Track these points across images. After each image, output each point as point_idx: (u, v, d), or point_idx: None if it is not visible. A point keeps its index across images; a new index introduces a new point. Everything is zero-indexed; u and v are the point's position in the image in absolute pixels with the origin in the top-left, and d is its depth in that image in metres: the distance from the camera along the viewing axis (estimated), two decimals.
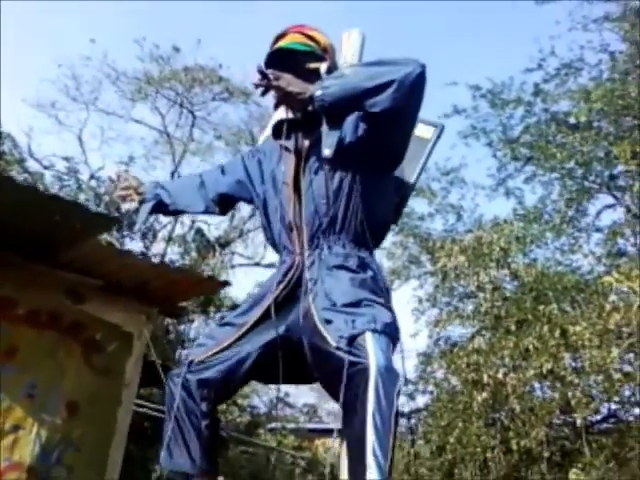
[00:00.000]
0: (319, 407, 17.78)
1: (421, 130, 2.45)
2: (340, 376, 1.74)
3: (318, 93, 1.98)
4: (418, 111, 2.06)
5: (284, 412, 15.32)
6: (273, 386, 13.30)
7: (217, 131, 16.45)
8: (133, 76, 15.35)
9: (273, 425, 13.07)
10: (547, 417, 7.16)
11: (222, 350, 2.10)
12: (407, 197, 2.48)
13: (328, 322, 1.88)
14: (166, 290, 4.46)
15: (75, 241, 3.86)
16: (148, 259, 5.42)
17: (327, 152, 2.08)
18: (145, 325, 4.52)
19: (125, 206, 2.59)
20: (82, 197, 10.87)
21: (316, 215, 2.10)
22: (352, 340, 1.78)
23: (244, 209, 14.38)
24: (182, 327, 11.10)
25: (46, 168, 12.62)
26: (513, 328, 7.83)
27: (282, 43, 2.26)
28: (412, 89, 1.93)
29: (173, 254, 13.27)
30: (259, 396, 13.76)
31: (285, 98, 2.12)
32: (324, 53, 2.27)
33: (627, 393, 7.44)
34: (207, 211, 2.53)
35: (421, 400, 8.96)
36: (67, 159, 12.05)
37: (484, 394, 7.49)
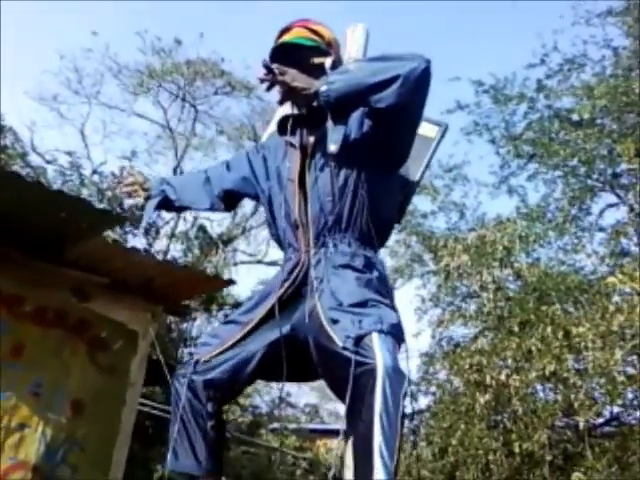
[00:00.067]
0: (320, 407, 17.82)
1: (425, 129, 2.43)
2: (346, 376, 1.73)
3: (323, 89, 1.97)
4: (423, 107, 2.06)
5: (286, 412, 15.34)
6: (275, 386, 13.36)
7: (219, 125, 16.45)
8: (135, 69, 15.33)
9: (275, 425, 13.09)
10: (549, 419, 7.13)
11: (227, 349, 2.10)
12: (411, 196, 2.48)
13: (334, 322, 1.87)
14: (171, 288, 4.45)
15: (81, 238, 3.85)
16: (154, 257, 5.40)
17: (333, 148, 2.09)
18: (150, 323, 4.51)
19: (129, 202, 2.61)
20: (85, 192, 10.85)
21: (322, 213, 2.09)
22: (359, 340, 1.77)
23: (247, 206, 14.38)
24: (184, 325, 11.09)
25: (48, 162, 12.61)
26: (516, 329, 7.79)
27: (287, 37, 2.25)
28: (417, 84, 1.92)
29: (176, 251, 13.27)
30: (261, 396, 13.78)
31: (290, 93, 2.11)
32: (329, 48, 2.27)
33: (630, 396, 7.41)
34: (212, 208, 2.52)
35: (423, 401, 8.97)
36: (69, 153, 12.02)
37: (487, 396, 7.47)
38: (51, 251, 3.91)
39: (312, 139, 2.20)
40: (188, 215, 13.58)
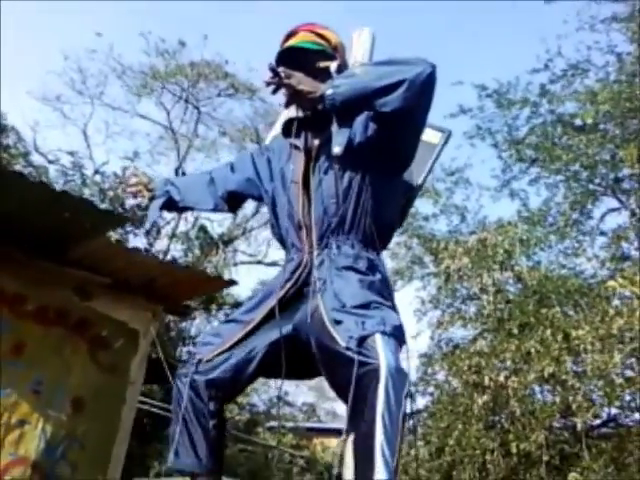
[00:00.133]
0: (318, 406, 17.82)
1: (428, 135, 2.46)
2: (349, 375, 1.75)
3: (329, 92, 2.00)
4: (428, 111, 2.08)
5: (283, 411, 15.35)
6: (273, 385, 13.41)
7: (222, 127, 16.50)
8: (139, 70, 15.38)
9: (272, 424, 13.10)
10: (547, 420, 7.14)
11: (229, 348, 2.11)
12: (413, 200, 2.51)
13: (337, 323, 1.89)
14: (173, 288, 4.47)
15: (84, 238, 3.88)
16: (156, 257, 5.42)
17: (337, 150, 2.10)
18: (151, 323, 4.53)
19: (133, 202, 2.62)
20: (87, 192, 10.89)
21: (325, 215, 2.11)
22: (362, 341, 1.80)
23: (247, 207, 14.42)
24: (183, 324, 11.12)
25: (51, 162, 12.65)
26: (515, 331, 7.80)
27: (293, 41, 2.28)
28: (422, 89, 1.95)
29: (176, 251, 13.32)
30: (258, 394, 13.79)
31: (296, 96, 2.13)
32: (334, 52, 2.29)
33: (627, 398, 7.42)
34: (216, 208, 2.54)
35: (421, 401, 8.98)
36: (72, 154, 12.08)
37: (485, 397, 7.48)
38: (54, 251, 3.93)
39: (317, 142, 2.22)
40: (189, 215, 13.64)
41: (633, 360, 7.09)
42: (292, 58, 2.20)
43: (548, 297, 8.08)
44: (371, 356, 1.76)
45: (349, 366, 1.76)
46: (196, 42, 17.44)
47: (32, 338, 4.00)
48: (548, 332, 7.35)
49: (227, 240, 14.89)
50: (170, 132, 16.17)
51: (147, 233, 11.86)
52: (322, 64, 2.23)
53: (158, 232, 12.91)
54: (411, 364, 2.06)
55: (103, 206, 9.18)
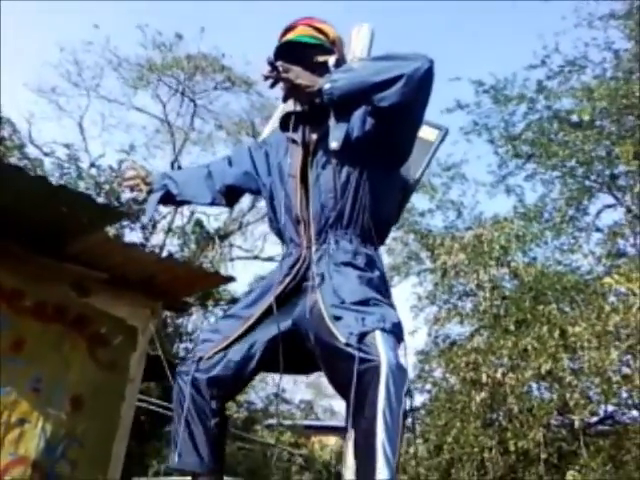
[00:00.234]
0: (315, 404, 17.82)
1: (425, 132, 2.44)
2: (348, 372, 1.74)
3: (327, 87, 1.99)
4: (426, 106, 2.07)
5: (280, 408, 15.36)
6: (270, 382, 13.41)
7: (218, 120, 16.44)
8: (135, 63, 15.31)
9: (270, 422, 13.10)
10: (545, 418, 7.16)
11: (229, 345, 2.10)
12: (409, 196, 2.50)
13: (337, 319, 1.88)
14: (171, 284, 4.43)
15: (82, 234, 3.83)
16: (154, 253, 5.40)
17: (334, 145, 2.10)
18: (150, 319, 4.50)
19: (130, 195, 2.61)
20: (82, 185, 10.83)
21: (323, 209, 2.11)
22: (362, 337, 1.79)
23: (244, 202, 14.39)
24: (180, 320, 11.10)
25: (46, 155, 12.58)
26: (512, 328, 7.82)
27: (291, 36, 2.26)
28: (420, 84, 1.94)
29: (172, 245, 13.28)
30: (256, 392, 13.79)
31: (294, 90, 2.12)
32: (333, 46, 2.28)
33: (624, 395, 7.44)
34: (214, 202, 2.53)
35: (419, 399, 8.99)
36: (67, 146, 11.99)
37: (482, 394, 7.49)
38: (52, 246, 3.89)
39: (314, 136, 2.21)
40: (185, 210, 13.61)
41: (629, 357, 7.11)
42: (290, 52, 2.18)
43: (544, 293, 8.09)
44: (371, 353, 1.75)
45: (349, 362, 1.75)
46: (193, 35, 17.36)
47: (31, 334, 3.94)
48: (545, 329, 7.37)
49: (223, 235, 14.86)
50: (166, 125, 16.12)
51: (143, 228, 11.82)
52: (320, 58, 2.22)
53: (154, 227, 12.87)
54: (408, 361, 2.06)
55: (99, 200, 9.14)
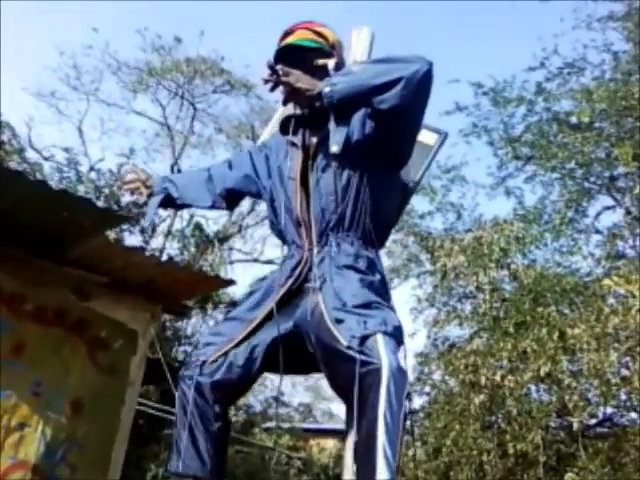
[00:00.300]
0: (314, 407, 17.78)
1: (425, 136, 2.46)
2: (350, 375, 1.76)
3: (326, 90, 2.00)
4: (425, 108, 2.09)
5: (279, 411, 15.33)
6: (269, 385, 13.38)
7: (218, 124, 16.45)
8: (135, 66, 15.32)
9: (269, 425, 13.08)
10: (544, 420, 7.15)
11: (232, 348, 2.10)
12: (408, 199, 2.52)
13: (339, 322, 1.89)
14: (171, 288, 4.44)
15: (82, 237, 3.83)
16: (154, 256, 5.39)
17: (335, 148, 2.11)
18: (150, 323, 4.50)
19: (130, 199, 2.62)
20: (82, 189, 10.83)
21: (324, 212, 2.12)
22: (364, 340, 1.80)
23: (243, 205, 14.37)
24: (179, 324, 11.08)
25: (46, 159, 12.58)
26: (511, 330, 7.81)
27: (291, 39, 2.28)
28: (419, 87, 1.96)
29: (172, 249, 13.27)
30: (254, 395, 13.76)
31: (293, 94, 2.14)
32: (332, 50, 2.30)
33: (623, 397, 7.44)
34: (214, 206, 2.54)
35: (418, 401, 8.98)
36: (67, 150, 12.01)
37: (481, 396, 7.49)
38: (52, 250, 3.89)
39: (314, 140, 2.23)
40: (185, 213, 13.60)
41: (629, 359, 7.10)
42: (290, 56, 2.20)
43: (544, 296, 8.08)
44: (373, 356, 1.76)
45: (350, 365, 1.77)
46: (192, 39, 17.36)
47: (32, 338, 3.95)
48: (544, 331, 7.36)
49: (223, 238, 14.85)
50: (166, 129, 16.13)
51: (142, 231, 11.82)
52: (320, 62, 2.23)
53: (153, 230, 12.87)
54: (408, 363, 2.07)
55: (98, 203, 9.13)
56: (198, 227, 13.80)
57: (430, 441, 8.07)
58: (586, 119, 9.48)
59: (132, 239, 11.26)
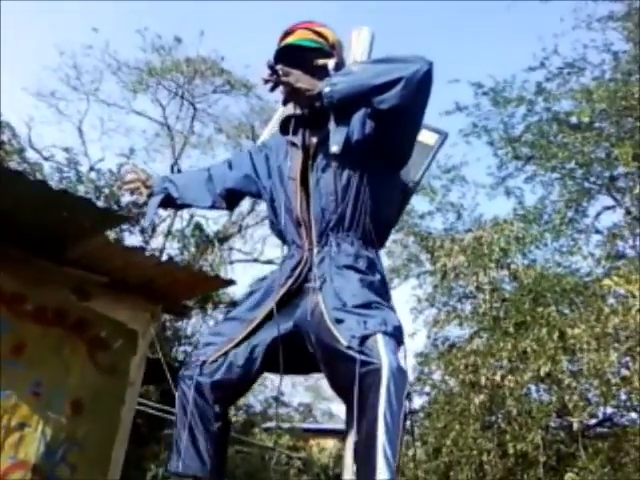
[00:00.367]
0: (314, 407, 17.77)
1: (425, 136, 2.46)
2: (350, 374, 1.76)
3: (326, 90, 2.00)
4: (425, 108, 2.09)
5: (279, 411, 15.33)
6: (269, 385, 13.38)
7: (218, 124, 16.45)
8: (135, 66, 15.32)
9: (269, 425, 13.07)
10: (544, 420, 7.15)
11: (232, 348, 2.10)
12: (408, 199, 2.52)
13: (339, 321, 1.89)
14: (171, 288, 4.44)
15: (82, 237, 3.83)
16: (154, 256, 5.39)
17: (335, 148, 2.11)
18: (150, 323, 4.50)
19: (130, 199, 2.63)
20: (82, 189, 10.83)
21: (324, 212, 2.12)
22: (364, 340, 1.80)
23: (243, 204, 14.37)
24: (179, 323, 11.08)
25: (46, 159, 12.58)
26: (511, 330, 7.81)
27: (291, 39, 2.28)
28: (419, 87, 1.96)
29: (172, 249, 13.27)
30: (254, 395, 13.76)
31: (293, 94, 2.14)
32: (332, 50, 2.30)
33: (623, 397, 7.44)
34: (214, 206, 2.54)
35: (418, 401, 8.98)
36: (67, 150, 12.00)
37: (481, 396, 7.48)
38: (52, 250, 3.89)
39: (314, 140, 2.23)
40: (185, 213, 13.60)
41: (629, 359, 7.10)
42: (290, 56, 2.20)
43: (544, 296, 8.07)
44: (373, 356, 1.76)
45: (350, 365, 1.77)
46: (192, 38, 17.37)
47: (32, 338, 3.95)
48: (544, 331, 7.36)
49: (223, 238, 14.85)
50: (166, 129, 16.13)
51: (142, 231, 11.82)
52: (320, 62, 2.23)
53: (153, 230, 12.87)
54: (408, 363, 2.07)
55: (98, 203, 9.13)
56: (198, 227, 13.80)
57: (430, 441, 8.07)
58: (586, 119, 9.47)
59: (132, 239, 11.28)
